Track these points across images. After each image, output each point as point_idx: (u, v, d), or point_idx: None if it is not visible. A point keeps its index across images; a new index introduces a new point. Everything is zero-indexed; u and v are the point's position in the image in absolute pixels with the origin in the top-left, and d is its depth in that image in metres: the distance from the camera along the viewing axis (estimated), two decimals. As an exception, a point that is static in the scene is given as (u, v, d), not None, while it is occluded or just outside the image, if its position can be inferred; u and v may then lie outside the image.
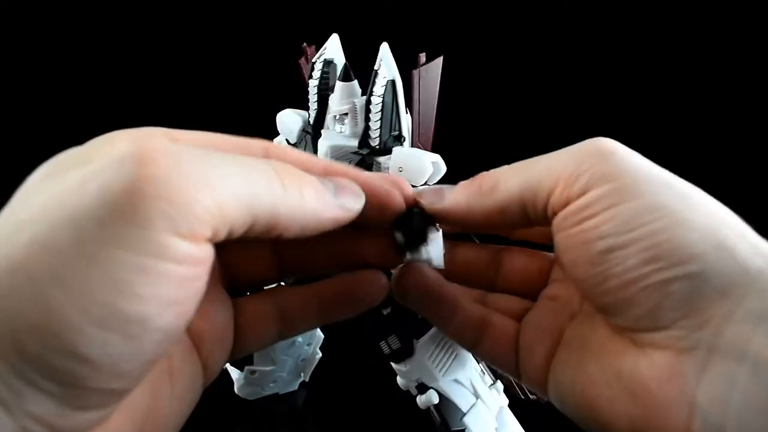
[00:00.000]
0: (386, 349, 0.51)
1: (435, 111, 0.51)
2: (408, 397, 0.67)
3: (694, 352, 0.25)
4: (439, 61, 0.50)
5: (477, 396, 0.51)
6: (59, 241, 0.20)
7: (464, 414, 0.50)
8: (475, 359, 0.52)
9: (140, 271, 0.20)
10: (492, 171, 0.31)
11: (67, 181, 0.22)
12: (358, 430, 0.69)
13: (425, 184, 0.48)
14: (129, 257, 0.20)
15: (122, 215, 0.20)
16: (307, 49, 0.57)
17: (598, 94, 0.81)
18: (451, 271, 0.36)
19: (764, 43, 0.76)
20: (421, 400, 0.50)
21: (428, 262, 0.33)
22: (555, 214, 0.29)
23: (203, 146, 0.27)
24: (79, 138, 0.28)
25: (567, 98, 0.82)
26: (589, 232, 0.27)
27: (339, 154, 0.49)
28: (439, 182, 0.50)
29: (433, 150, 0.52)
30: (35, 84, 0.99)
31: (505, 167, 0.31)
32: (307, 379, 0.71)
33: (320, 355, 0.70)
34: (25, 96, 1.00)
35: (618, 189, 0.26)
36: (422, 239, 0.33)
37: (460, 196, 0.31)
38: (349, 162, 0.49)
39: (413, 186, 0.48)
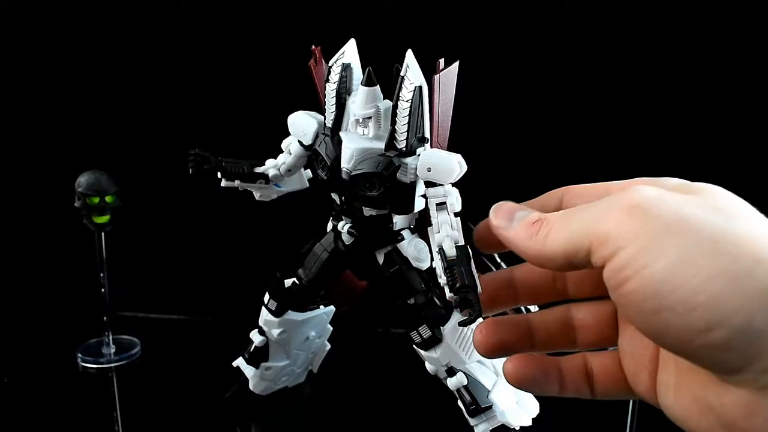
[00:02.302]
0: (417, 339, 0.54)
1: (451, 113, 0.53)
2: (413, 387, 0.71)
3: None
4: (456, 65, 0.52)
5: (497, 374, 0.55)
6: None
7: (489, 391, 0.53)
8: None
9: None
10: (551, 217, 0.32)
11: None
12: (365, 420, 0.72)
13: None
14: None
15: None
16: (316, 50, 0.58)
17: (608, 93, 0.84)
18: (521, 288, 0.38)
19: (764, 43, 0.80)
20: (451, 382, 0.54)
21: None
22: (600, 269, 0.29)
23: None
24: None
25: (575, 98, 0.85)
26: (631, 295, 0.27)
27: (364, 156, 0.51)
28: (459, 181, 0.53)
29: (447, 149, 0.54)
30: (37, 85, 0.96)
31: (560, 216, 0.32)
32: (315, 371, 0.73)
33: (329, 346, 0.72)
34: (26, 96, 0.97)
35: (645, 248, 0.27)
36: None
37: (523, 232, 0.33)
38: (377, 165, 0.51)
39: (440, 185, 0.51)
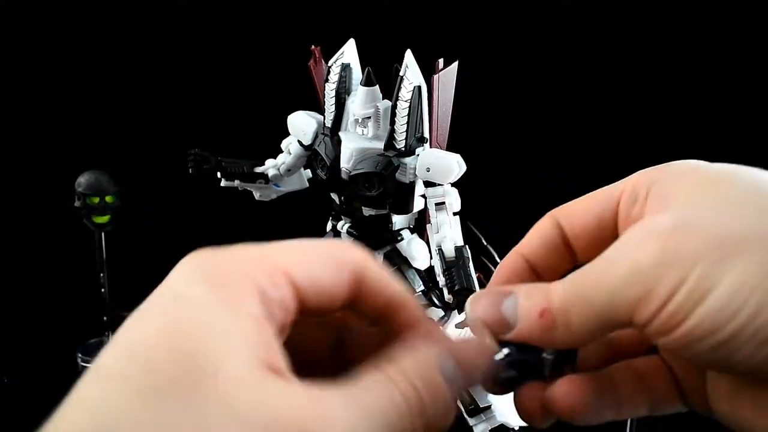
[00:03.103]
0: None
1: (450, 113, 0.54)
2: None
3: None
4: (455, 65, 0.52)
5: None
6: None
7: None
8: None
9: None
10: (557, 303, 0.28)
11: None
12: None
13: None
14: None
15: None
16: (315, 50, 0.58)
17: (607, 93, 0.84)
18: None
19: (764, 43, 0.80)
20: None
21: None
22: (642, 328, 0.27)
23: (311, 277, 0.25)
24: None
25: (575, 98, 0.86)
26: (687, 336, 0.25)
27: (363, 156, 0.51)
28: (458, 181, 0.53)
29: (447, 149, 0.55)
30: (37, 85, 0.96)
31: (571, 294, 0.28)
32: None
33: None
34: (26, 96, 0.97)
35: (692, 290, 0.25)
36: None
37: (535, 330, 0.28)
38: (376, 164, 0.51)
39: (439, 185, 0.51)
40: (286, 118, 0.59)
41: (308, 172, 0.64)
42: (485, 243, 0.57)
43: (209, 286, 0.23)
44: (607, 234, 0.31)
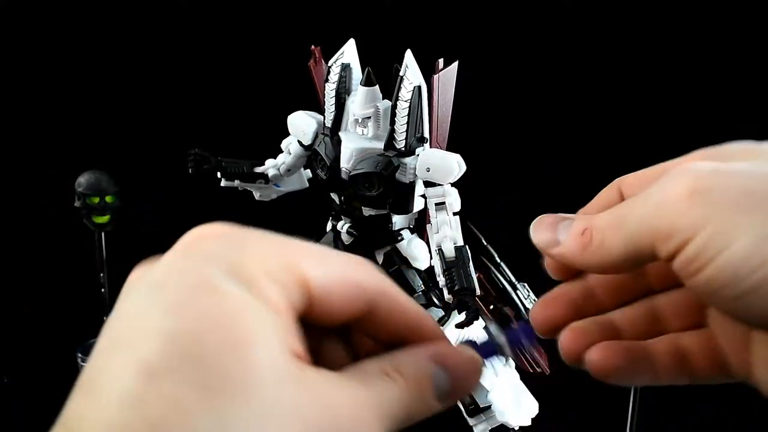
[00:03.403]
0: None
1: (450, 113, 0.54)
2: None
3: None
4: (455, 65, 0.52)
5: (496, 374, 0.55)
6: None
7: (488, 391, 0.53)
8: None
9: None
10: (598, 221, 0.30)
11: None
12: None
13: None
14: None
15: None
16: (315, 50, 0.58)
17: (607, 93, 0.85)
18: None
19: (764, 43, 0.80)
20: None
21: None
22: (669, 261, 0.27)
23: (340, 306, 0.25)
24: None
25: (575, 98, 0.86)
26: (710, 283, 0.26)
27: (363, 156, 0.51)
28: (458, 181, 0.53)
29: (447, 149, 0.55)
30: (37, 85, 0.96)
31: (609, 218, 0.30)
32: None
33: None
34: (26, 96, 0.97)
35: (715, 234, 0.25)
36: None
37: (575, 246, 0.30)
38: (376, 164, 0.51)
39: (439, 185, 0.51)
40: (286, 118, 0.59)
41: (308, 172, 0.63)
42: (485, 243, 0.57)
43: (238, 277, 0.23)
44: None
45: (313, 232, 0.62)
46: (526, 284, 0.56)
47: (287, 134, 0.60)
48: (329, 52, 0.57)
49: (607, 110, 0.85)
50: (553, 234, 0.31)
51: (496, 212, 0.74)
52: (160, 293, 0.23)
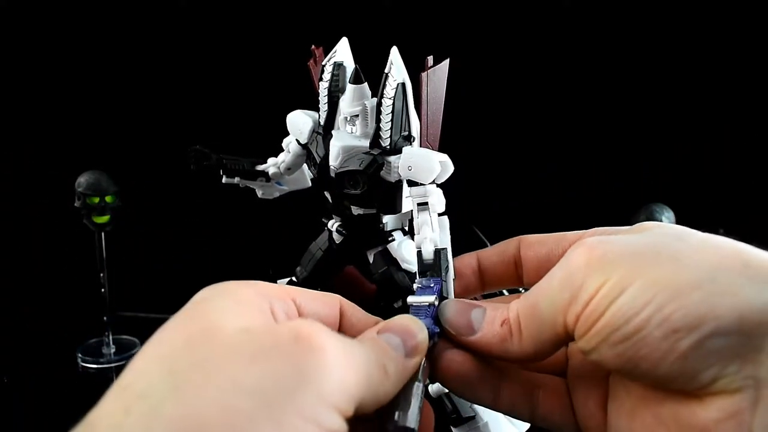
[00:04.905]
0: None
1: (442, 112, 0.53)
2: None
3: (744, 390, 0.27)
4: (446, 63, 0.52)
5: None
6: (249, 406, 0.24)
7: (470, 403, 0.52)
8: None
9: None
10: (514, 312, 0.32)
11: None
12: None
13: (433, 182, 0.50)
14: (304, 425, 0.24)
15: (300, 390, 0.25)
16: (316, 50, 0.58)
17: (607, 93, 0.84)
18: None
19: (764, 43, 0.80)
20: (433, 389, 0.53)
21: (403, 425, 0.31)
22: (574, 333, 0.30)
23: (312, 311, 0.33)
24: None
25: (575, 98, 0.86)
26: (603, 329, 0.28)
27: (350, 154, 0.51)
28: (446, 182, 0.52)
29: (440, 149, 0.54)
30: (37, 85, 0.96)
31: (523, 306, 0.32)
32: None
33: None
34: (26, 96, 0.97)
35: (612, 288, 0.28)
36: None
37: (494, 338, 0.32)
38: (360, 162, 0.50)
39: (421, 184, 0.50)
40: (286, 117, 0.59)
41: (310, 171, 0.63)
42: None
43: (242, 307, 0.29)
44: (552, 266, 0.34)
45: (312, 233, 0.62)
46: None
47: (287, 134, 0.60)
48: (330, 51, 0.57)
49: (607, 110, 0.85)
50: (466, 321, 0.33)
51: (495, 212, 0.74)
52: (263, 353, 0.27)
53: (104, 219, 0.76)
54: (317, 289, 0.64)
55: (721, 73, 0.82)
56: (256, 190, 0.64)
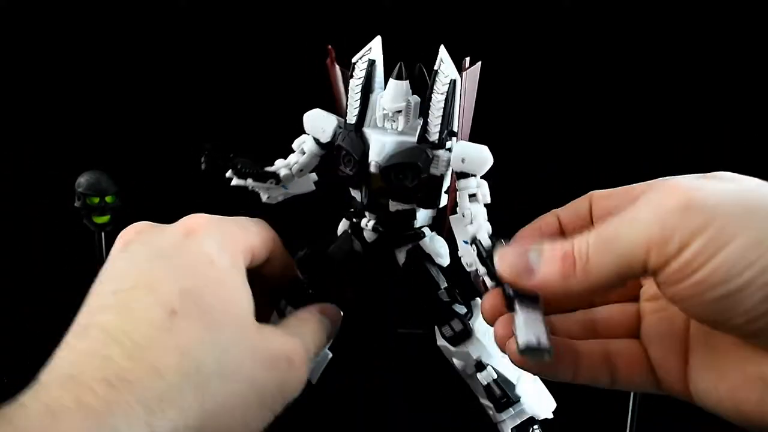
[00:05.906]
0: (449, 333, 0.54)
1: (473, 109, 0.54)
2: (417, 393, 0.70)
3: None
4: (478, 66, 0.53)
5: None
6: None
7: (515, 385, 0.54)
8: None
9: None
10: (577, 247, 0.31)
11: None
12: (367, 429, 0.72)
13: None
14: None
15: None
16: (332, 51, 0.58)
17: (608, 93, 0.85)
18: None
19: (764, 43, 0.80)
20: (482, 376, 0.54)
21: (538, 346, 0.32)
22: (656, 273, 0.29)
23: None
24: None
25: (575, 98, 0.86)
26: (700, 284, 0.27)
27: (398, 148, 0.51)
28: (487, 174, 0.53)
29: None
30: (37, 85, 0.96)
31: (590, 239, 0.31)
32: (314, 382, 0.72)
33: (331, 355, 0.72)
34: (26, 96, 0.97)
35: (712, 239, 0.27)
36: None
37: (553, 275, 0.31)
38: (411, 156, 0.51)
39: (473, 175, 0.51)
40: (290, 119, 0.59)
41: (314, 175, 0.63)
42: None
43: (224, 253, 0.36)
44: None
45: (312, 233, 0.62)
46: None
47: (289, 136, 0.60)
48: (338, 51, 0.57)
49: (608, 110, 0.85)
50: (524, 262, 0.32)
51: (496, 212, 0.74)
52: (171, 260, 0.34)
53: (104, 219, 0.77)
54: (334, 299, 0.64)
55: (721, 73, 0.82)
56: (261, 194, 0.63)
